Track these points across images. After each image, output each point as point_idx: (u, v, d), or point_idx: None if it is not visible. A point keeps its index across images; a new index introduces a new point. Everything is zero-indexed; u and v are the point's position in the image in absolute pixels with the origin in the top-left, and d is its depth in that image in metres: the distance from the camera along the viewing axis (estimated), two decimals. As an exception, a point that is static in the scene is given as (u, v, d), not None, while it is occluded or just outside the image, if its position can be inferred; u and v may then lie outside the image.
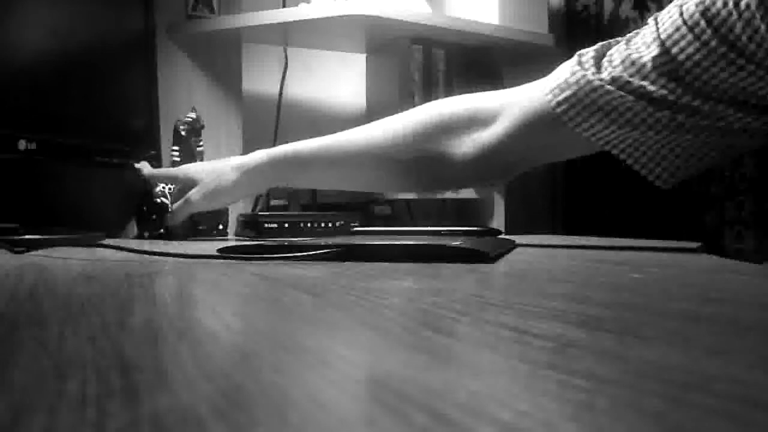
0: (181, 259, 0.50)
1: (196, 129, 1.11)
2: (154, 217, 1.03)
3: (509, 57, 1.36)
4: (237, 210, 1.20)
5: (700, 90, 0.54)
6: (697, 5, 0.54)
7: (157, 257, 0.52)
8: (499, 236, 0.83)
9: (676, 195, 0.80)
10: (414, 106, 1.22)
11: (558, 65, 0.62)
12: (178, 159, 1.08)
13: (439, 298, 0.29)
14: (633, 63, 0.57)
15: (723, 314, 0.25)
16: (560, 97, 0.59)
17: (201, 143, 1.12)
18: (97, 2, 0.95)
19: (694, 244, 0.71)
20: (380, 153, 0.72)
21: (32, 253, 0.58)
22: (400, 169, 0.72)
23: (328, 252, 0.49)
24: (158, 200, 1.04)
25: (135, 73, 1.03)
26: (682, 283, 0.37)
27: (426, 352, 0.18)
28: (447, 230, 0.77)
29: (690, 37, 0.54)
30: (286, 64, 1.33)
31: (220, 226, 1.11)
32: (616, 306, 0.27)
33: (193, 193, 0.84)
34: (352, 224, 1.12)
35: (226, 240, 1.00)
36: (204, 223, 0.99)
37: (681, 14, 0.54)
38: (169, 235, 0.94)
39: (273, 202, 1.26)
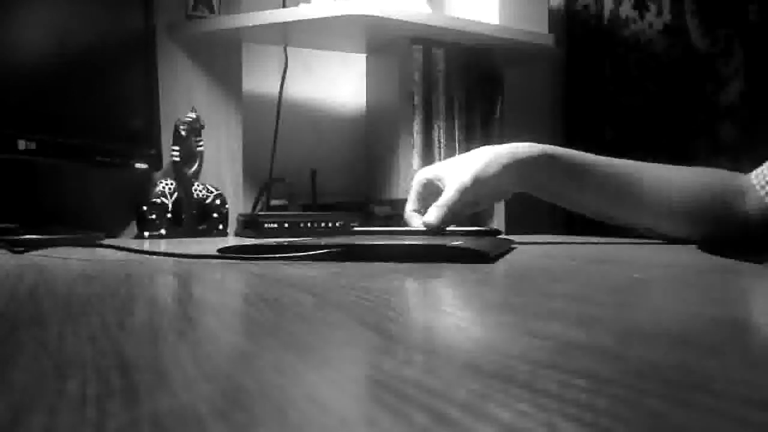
0: (181, 259, 0.50)
1: (196, 129, 1.11)
2: (154, 217, 1.03)
3: (509, 57, 1.36)
4: (237, 210, 1.20)
5: None
6: None
7: (157, 257, 0.52)
8: (499, 236, 0.83)
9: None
10: (414, 107, 1.23)
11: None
12: (178, 159, 1.08)
13: (439, 298, 0.29)
14: None
15: (723, 314, 0.25)
16: None
17: (201, 143, 1.12)
18: (97, 2, 0.95)
19: (693, 244, 0.71)
20: (674, 200, 0.75)
21: (32, 253, 0.58)
22: (681, 218, 0.75)
23: (328, 252, 0.49)
24: (158, 200, 1.04)
25: (135, 73, 1.03)
26: (682, 283, 0.37)
27: (426, 351, 0.18)
28: (447, 230, 0.77)
29: None
30: (286, 64, 1.33)
31: (220, 226, 1.11)
32: (616, 306, 0.27)
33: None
34: (352, 224, 1.12)
35: (226, 240, 1.00)
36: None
37: None
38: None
39: (273, 202, 1.26)
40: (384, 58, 1.32)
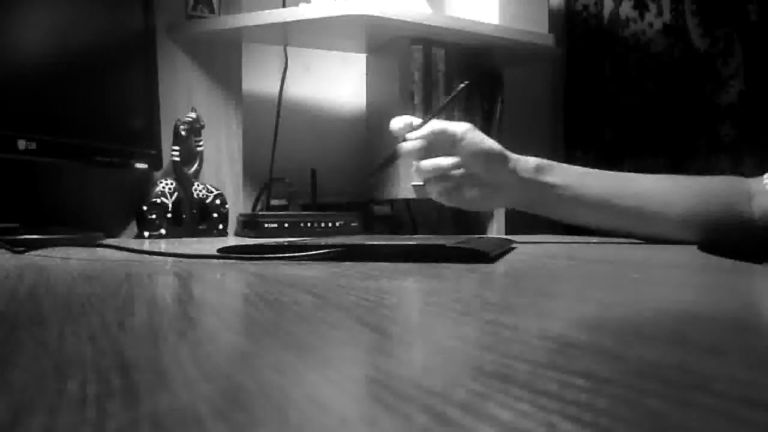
0: (181, 259, 0.50)
1: (196, 129, 1.11)
2: (154, 216, 1.03)
3: (509, 57, 1.36)
4: (237, 210, 1.20)
5: None
6: None
7: (157, 257, 0.52)
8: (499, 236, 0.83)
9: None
10: (414, 106, 1.23)
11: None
12: (178, 159, 1.08)
13: (439, 298, 0.29)
14: None
15: (723, 314, 0.25)
16: None
17: (201, 143, 1.12)
18: (97, 2, 0.95)
19: (694, 244, 0.71)
20: (675, 209, 0.75)
21: (32, 253, 0.58)
22: (683, 221, 0.75)
23: (328, 252, 0.49)
24: (158, 200, 1.04)
25: (135, 73, 1.03)
26: (682, 283, 0.37)
27: (426, 352, 0.18)
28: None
29: None
30: (286, 64, 1.33)
31: (220, 226, 1.11)
32: (616, 306, 0.27)
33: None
34: (352, 224, 1.13)
35: (226, 240, 1.00)
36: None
37: None
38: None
39: (273, 202, 1.27)
40: (384, 58, 1.32)
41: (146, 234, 1.03)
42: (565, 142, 1.73)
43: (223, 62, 1.21)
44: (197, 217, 1.09)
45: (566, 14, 1.69)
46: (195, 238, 1.03)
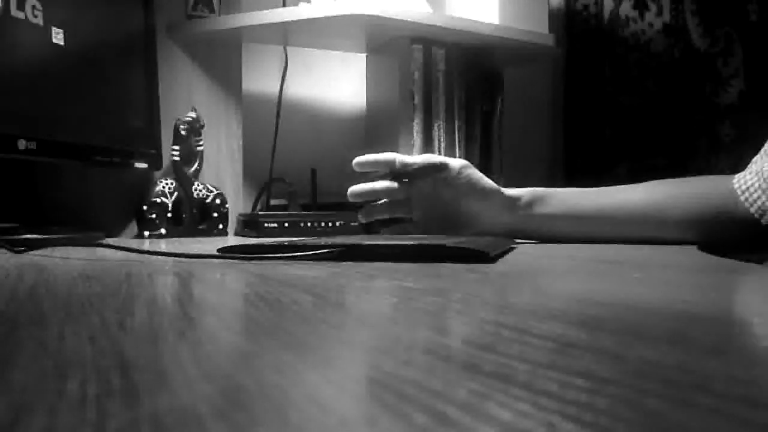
0: (181, 259, 0.50)
1: (196, 129, 1.11)
2: (154, 216, 1.03)
3: (509, 57, 1.36)
4: (237, 209, 1.20)
5: None
6: None
7: (157, 257, 0.52)
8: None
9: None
10: (414, 106, 1.23)
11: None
12: (178, 158, 1.08)
13: (439, 298, 0.29)
14: None
15: (722, 314, 0.25)
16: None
17: (201, 143, 1.12)
18: (97, 2, 0.95)
19: (693, 244, 0.71)
20: (671, 216, 0.76)
21: (32, 253, 0.58)
22: (681, 226, 0.76)
23: (328, 252, 0.49)
24: (158, 200, 1.04)
25: (135, 72, 1.03)
26: (682, 283, 0.37)
27: (426, 351, 0.18)
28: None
29: None
30: (286, 63, 1.33)
31: (220, 226, 1.11)
32: (616, 306, 0.27)
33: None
34: (353, 224, 1.12)
35: (226, 240, 1.00)
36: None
37: None
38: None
39: (273, 202, 1.26)
40: (384, 57, 1.32)
41: (146, 234, 1.03)
42: (564, 142, 1.73)
43: (223, 62, 1.21)
44: (197, 216, 1.09)
45: (566, 14, 1.69)
46: (195, 238, 1.03)
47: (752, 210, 0.73)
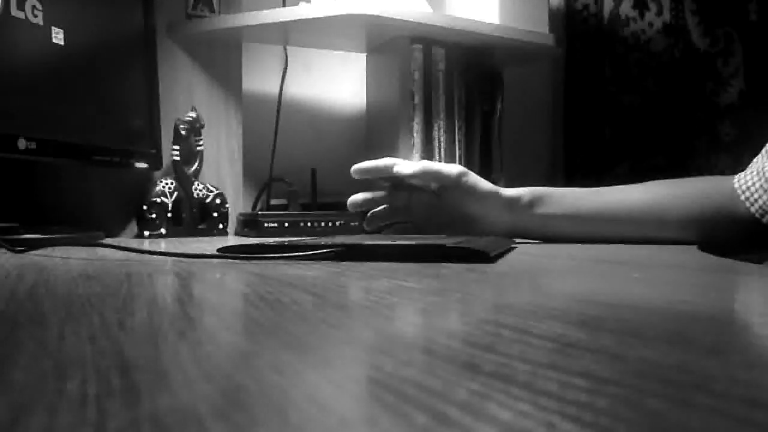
0: (181, 259, 0.50)
1: (196, 128, 1.11)
2: (154, 216, 1.03)
3: (509, 57, 1.36)
4: (237, 209, 1.20)
5: None
6: None
7: (157, 257, 0.52)
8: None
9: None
10: (414, 106, 1.23)
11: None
12: (178, 158, 1.08)
13: (439, 298, 0.29)
14: None
15: (722, 314, 0.25)
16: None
17: (201, 142, 1.12)
18: (97, 2, 0.95)
19: (693, 244, 0.71)
20: (671, 215, 0.76)
21: (32, 252, 0.58)
22: (681, 225, 0.76)
23: (328, 252, 0.49)
24: (158, 200, 1.04)
25: (135, 72, 1.03)
26: (682, 283, 0.37)
27: (426, 351, 0.18)
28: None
29: None
30: (286, 63, 1.33)
31: (220, 225, 1.11)
32: (616, 306, 0.27)
33: None
34: (353, 224, 1.12)
35: (226, 239, 1.00)
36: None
37: None
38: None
39: (273, 202, 1.26)
40: (384, 57, 1.32)
41: (146, 233, 1.03)
42: (564, 142, 1.73)
43: (223, 62, 1.21)
44: (197, 216, 1.09)
45: (566, 14, 1.69)
46: (195, 238, 1.03)
47: (753, 210, 0.73)
